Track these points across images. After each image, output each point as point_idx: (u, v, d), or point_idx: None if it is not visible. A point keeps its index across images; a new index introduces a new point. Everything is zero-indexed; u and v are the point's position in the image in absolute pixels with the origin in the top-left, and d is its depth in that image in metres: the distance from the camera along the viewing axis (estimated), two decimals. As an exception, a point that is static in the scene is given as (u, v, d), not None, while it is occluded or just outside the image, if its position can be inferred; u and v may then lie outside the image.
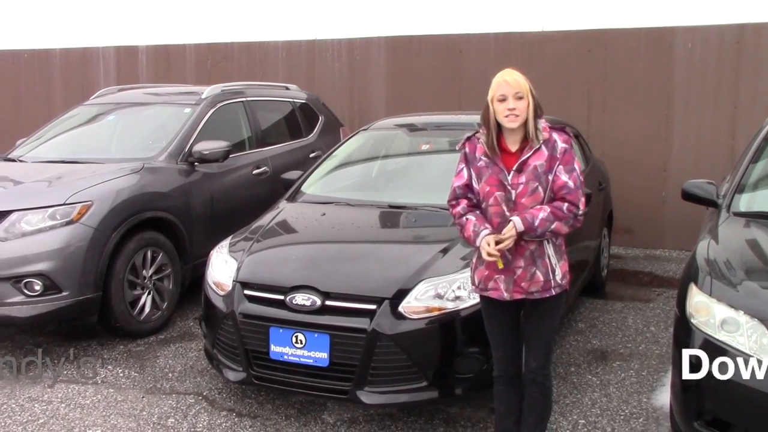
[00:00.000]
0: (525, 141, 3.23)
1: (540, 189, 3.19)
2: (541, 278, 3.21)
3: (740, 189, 4.48)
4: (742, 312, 3.33)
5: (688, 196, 4.64)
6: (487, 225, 3.23)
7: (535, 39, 8.30)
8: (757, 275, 3.60)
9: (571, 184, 3.19)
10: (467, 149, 3.36)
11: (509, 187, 3.19)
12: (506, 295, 3.23)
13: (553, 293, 3.26)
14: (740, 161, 4.86)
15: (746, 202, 4.40)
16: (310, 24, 9.48)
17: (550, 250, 3.24)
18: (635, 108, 8.01)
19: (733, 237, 4.02)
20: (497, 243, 3.12)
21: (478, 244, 3.22)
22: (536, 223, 3.12)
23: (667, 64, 7.85)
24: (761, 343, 3.22)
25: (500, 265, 3.19)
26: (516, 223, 3.12)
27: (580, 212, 3.20)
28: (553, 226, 3.14)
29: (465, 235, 3.31)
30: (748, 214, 4.27)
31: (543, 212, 3.14)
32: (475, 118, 5.71)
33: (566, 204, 3.17)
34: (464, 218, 3.32)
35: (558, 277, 3.26)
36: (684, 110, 7.85)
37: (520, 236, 3.14)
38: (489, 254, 3.14)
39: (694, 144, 7.83)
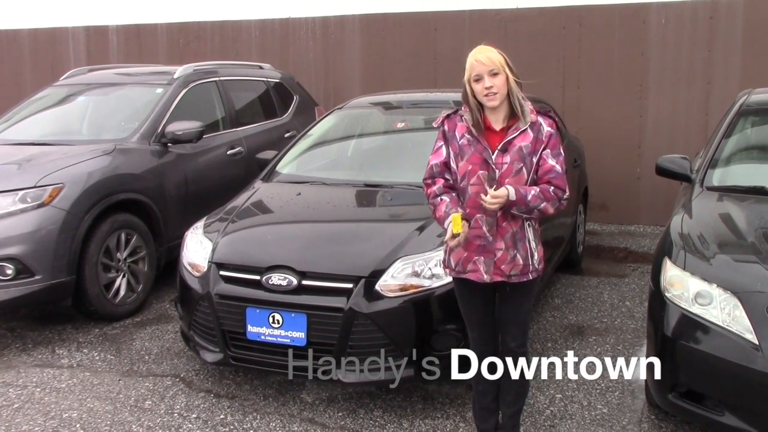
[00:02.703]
0: (511, 120, 3.20)
1: (524, 170, 3.16)
2: (521, 261, 3.21)
3: (713, 164, 4.52)
4: (716, 285, 3.37)
5: (662, 172, 4.67)
6: (459, 209, 3.19)
7: (511, 16, 8.28)
8: (730, 248, 3.64)
9: (558, 168, 3.18)
10: (446, 127, 3.31)
11: (493, 166, 3.16)
12: (486, 277, 3.21)
13: (530, 278, 3.26)
14: (713, 136, 4.90)
15: (719, 176, 4.45)
16: (283, 2, 9.36)
17: (530, 233, 3.24)
18: (610, 84, 8.03)
19: (706, 211, 4.05)
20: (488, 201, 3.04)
21: (446, 225, 3.16)
22: (529, 198, 3.08)
23: (641, 41, 7.87)
24: (734, 315, 3.26)
25: (460, 236, 3.08)
26: (510, 190, 3.06)
27: (566, 196, 3.20)
28: (542, 205, 3.12)
29: (437, 215, 3.27)
30: (720, 189, 4.31)
31: (534, 190, 3.12)
32: (451, 95, 5.78)
33: (552, 187, 3.16)
34: (438, 198, 3.27)
35: (536, 261, 3.26)
36: (658, 86, 7.89)
37: (508, 207, 3.08)
38: (453, 235, 3.08)
39: (668, 120, 7.88)
